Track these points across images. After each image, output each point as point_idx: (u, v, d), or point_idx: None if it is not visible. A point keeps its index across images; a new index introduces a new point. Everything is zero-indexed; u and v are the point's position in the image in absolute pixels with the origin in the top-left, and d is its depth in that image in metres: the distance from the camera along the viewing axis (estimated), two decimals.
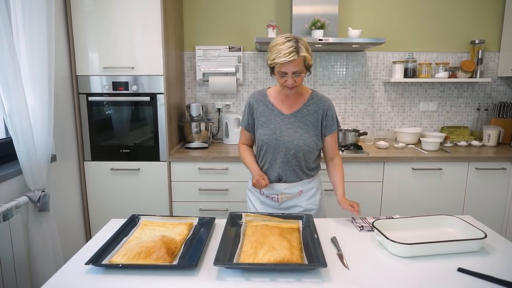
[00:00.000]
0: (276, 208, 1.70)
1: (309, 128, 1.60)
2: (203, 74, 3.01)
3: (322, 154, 1.74)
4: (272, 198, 1.68)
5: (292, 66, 1.43)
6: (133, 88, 2.45)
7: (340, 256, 1.20)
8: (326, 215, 1.76)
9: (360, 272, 1.12)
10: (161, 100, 2.47)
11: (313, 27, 2.62)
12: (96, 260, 1.13)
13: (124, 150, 2.53)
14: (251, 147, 1.78)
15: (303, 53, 1.43)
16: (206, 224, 1.42)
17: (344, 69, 3.05)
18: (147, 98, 2.46)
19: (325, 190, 1.80)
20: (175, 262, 1.14)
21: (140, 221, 1.44)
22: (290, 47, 1.41)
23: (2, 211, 1.60)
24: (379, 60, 3.04)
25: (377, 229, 1.28)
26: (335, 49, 2.92)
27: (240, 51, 2.97)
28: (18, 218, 1.71)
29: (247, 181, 1.82)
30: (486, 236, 1.22)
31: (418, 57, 3.02)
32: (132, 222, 1.42)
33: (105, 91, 2.46)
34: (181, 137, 2.90)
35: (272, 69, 1.52)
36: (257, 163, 1.69)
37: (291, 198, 1.67)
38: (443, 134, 2.93)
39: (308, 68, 1.50)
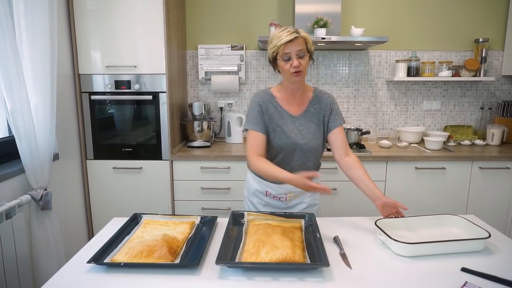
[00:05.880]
0: (282, 207, 1.66)
1: (319, 126, 1.58)
2: (206, 73, 3.01)
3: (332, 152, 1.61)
4: (279, 198, 1.64)
5: (295, 45, 1.43)
6: (135, 87, 2.45)
7: (343, 256, 1.20)
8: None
9: (362, 271, 1.11)
10: (163, 99, 2.47)
11: (315, 26, 2.61)
12: (98, 258, 1.13)
13: (126, 149, 2.53)
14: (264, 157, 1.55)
15: (303, 33, 1.46)
16: (208, 223, 1.42)
17: (347, 68, 3.04)
18: (150, 97, 2.46)
19: None
20: (177, 261, 1.14)
21: (142, 219, 1.44)
22: (290, 30, 1.44)
23: (4, 210, 1.61)
24: (382, 58, 3.03)
25: (380, 228, 1.27)
26: (338, 47, 2.91)
27: (243, 49, 2.96)
28: (21, 216, 1.72)
29: (247, 182, 1.77)
30: (490, 235, 1.21)
31: (421, 56, 3.00)
32: (134, 221, 1.42)
33: (108, 90, 2.46)
34: (183, 136, 2.90)
35: (274, 62, 1.50)
36: None
37: (297, 196, 1.65)
38: (447, 133, 2.91)
39: (310, 52, 1.48)
